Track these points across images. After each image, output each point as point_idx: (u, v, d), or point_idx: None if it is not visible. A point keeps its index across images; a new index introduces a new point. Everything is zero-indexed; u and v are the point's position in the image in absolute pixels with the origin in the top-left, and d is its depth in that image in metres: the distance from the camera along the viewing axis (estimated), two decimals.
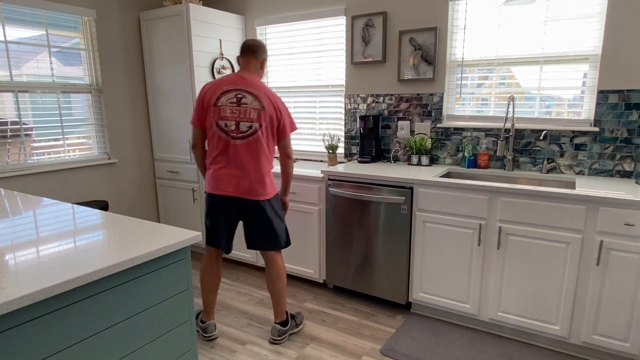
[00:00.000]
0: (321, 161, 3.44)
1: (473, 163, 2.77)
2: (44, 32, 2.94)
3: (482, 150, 2.75)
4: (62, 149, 3.12)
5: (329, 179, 2.76)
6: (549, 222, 2.11)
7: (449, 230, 2.39)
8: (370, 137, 3.09)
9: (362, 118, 3.03)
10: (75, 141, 3.20)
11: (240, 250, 3.30)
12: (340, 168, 2.81)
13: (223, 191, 2.16)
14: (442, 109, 2.88)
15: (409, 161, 3.00)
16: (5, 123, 2.80)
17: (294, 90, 3.53)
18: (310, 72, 3.43)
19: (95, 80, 3.29)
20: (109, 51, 3.32)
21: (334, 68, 3.32)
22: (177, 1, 3.31)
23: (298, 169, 3.02)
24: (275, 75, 3.62)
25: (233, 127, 2.11)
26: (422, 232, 2.48)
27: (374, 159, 3.08)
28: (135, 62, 3.51)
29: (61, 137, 3.11)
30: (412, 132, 3.02)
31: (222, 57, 3.46)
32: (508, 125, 2.67)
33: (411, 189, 2.47)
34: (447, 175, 2.77)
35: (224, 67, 3.47)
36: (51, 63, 3.00)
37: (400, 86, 3.02)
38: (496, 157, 2.75)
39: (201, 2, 3.41)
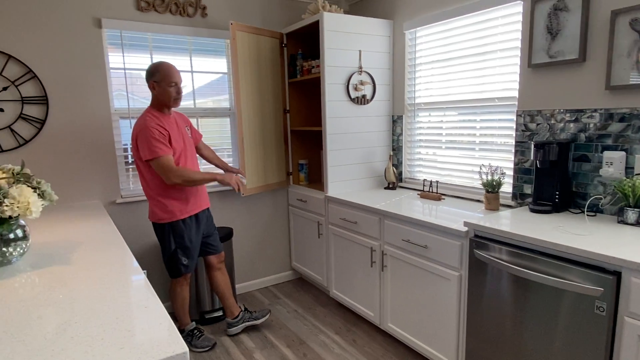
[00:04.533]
0: (479, 201, 2.54)
1: None
2: (188, 58, 3.00)
3: None
4: None
5: (476, 236, 1.90)
6: None
7: None
8: (552, 174, 2.06)
9: (540, 146, 2.03)
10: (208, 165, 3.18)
11: (363, 303, 2.69)
12: (498, 219, 1.91)
13: None
14: None
15: (619, 217, 1.85)
16: None
17: (445, 106, 2.74)
18: (469, 82, 2.58)
19: (233, 103, 3.23)
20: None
21: (502, 75, 2.40)
22: (317, 11, 2.96)
23: (438, 212, 2.23)
24: (423, 90, 2.89)
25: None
26: (634, 353, 1.40)
27: (556, 208, 2.04)
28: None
29: None
30: (628, 169, 1.88)
31: (361, 71, 2.94)
32: None
33: (618, 274, 1.43)
34: None
35: (362, 83, 2.94)
36: (193, 89, 3.04)
37: (610, 97, 1.92)
38: None
39: (341, 10, 2.98)
